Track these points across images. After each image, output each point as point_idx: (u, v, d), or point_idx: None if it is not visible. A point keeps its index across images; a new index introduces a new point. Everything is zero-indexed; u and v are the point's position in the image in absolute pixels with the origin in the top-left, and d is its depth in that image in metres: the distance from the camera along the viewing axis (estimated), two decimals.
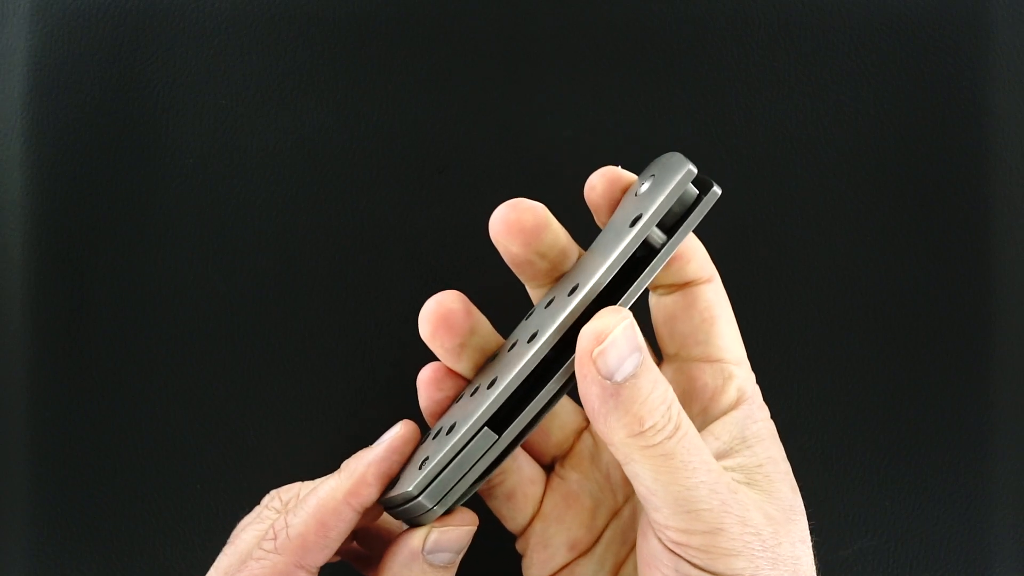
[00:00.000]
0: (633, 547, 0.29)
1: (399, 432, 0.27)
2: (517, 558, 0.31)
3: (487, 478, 0.27)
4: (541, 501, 0.30)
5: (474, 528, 0.26)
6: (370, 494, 0.26)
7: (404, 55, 0.38)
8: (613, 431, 0.23)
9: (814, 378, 0.38)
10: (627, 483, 0.30)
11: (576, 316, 0.25)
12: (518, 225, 0.27)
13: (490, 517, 0.30)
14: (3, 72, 0.38)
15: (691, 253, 0.27)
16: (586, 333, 0.23)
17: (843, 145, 0.38)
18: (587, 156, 0.38)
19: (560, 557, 0.29)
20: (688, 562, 0.24)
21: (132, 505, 0.38)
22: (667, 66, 0.38)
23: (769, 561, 0.24)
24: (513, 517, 0.30)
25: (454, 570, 0.26)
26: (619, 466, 0.29)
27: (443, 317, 0.27)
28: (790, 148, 0.38)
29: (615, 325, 0.23)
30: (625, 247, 0.24)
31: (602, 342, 0.23)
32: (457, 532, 0.26)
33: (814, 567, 0.26)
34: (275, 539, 0.26)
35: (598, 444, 0.30)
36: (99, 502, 0.38)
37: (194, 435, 0.38)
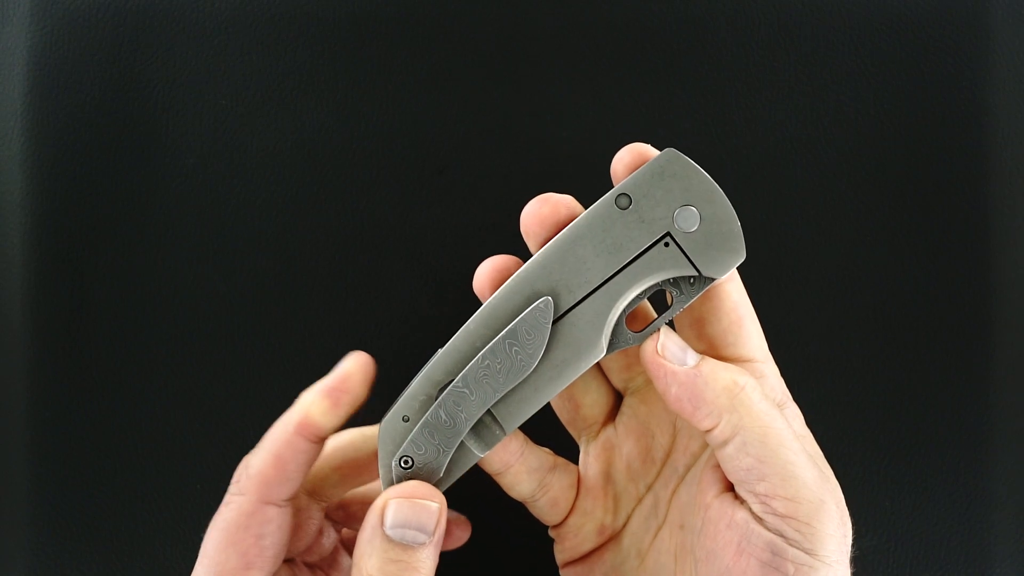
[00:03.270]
0: (656, 534, 0.30)
1: (348, 361, 0.28)
2: (540, 547, 0.32)
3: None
4: (575, 501, 0.31)
5: (437, 507, 0.26)
6: (321, 424, 0.27)
7: (404, 55, 0.38)
8: (716, 402, 0.25)
9: (814, 378, 0.38)
10: (647, 472, 0.31)
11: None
12: (553, 219, 0.27)
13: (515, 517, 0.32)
14: (3, 72, 0.38)
15: None
16: (647, 347, 0.26)
17: (843, 145, 0.38)
18: (587, 156, 0.38)
19: (589, 543, 0.31)
20: (787, 540, 0.24)
21: (132, 505, 0.38)
22: (667, 66, 0.38)
23: (846, 550, 0.25)
24: (551, 517, 0.31)
25: (430, 554, 0.26)
26: (639, 456, 0.31)
27: (494, 280, 0.28)
28: (790, 148, 0.38)
29: (662, 336, 0.26)
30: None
31: (657, 340, 0.26)
32: (415, 506, 0.26)
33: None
34: (239, 482, 0.27)
35: (619, 435, 0.31)
36: (99, 502, 0.38)
37: (194, 435, 0.38)
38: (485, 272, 0.28)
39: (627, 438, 0.31)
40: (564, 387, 0.27)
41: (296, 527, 0.29)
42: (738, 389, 0.25)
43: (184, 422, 0.38)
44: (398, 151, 0.38)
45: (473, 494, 0.31)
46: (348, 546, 0.33)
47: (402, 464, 0.27)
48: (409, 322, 0.38)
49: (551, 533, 0.32)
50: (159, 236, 0.38)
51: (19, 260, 0.38)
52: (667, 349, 0.26)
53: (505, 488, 0.30)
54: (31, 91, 0.38)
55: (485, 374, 0.26)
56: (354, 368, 0.28)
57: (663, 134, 0.38)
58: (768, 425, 0.25)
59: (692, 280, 0.27)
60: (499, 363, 0.26)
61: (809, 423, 0.28)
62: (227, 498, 0.27)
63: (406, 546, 0.25)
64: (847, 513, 0.26)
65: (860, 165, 0.38)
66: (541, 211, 0.27)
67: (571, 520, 0.31)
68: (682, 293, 0.27)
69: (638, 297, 0.27)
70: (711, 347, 0.28)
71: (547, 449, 0.31)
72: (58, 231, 0.38)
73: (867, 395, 0.38)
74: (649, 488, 0.31)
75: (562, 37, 0.38)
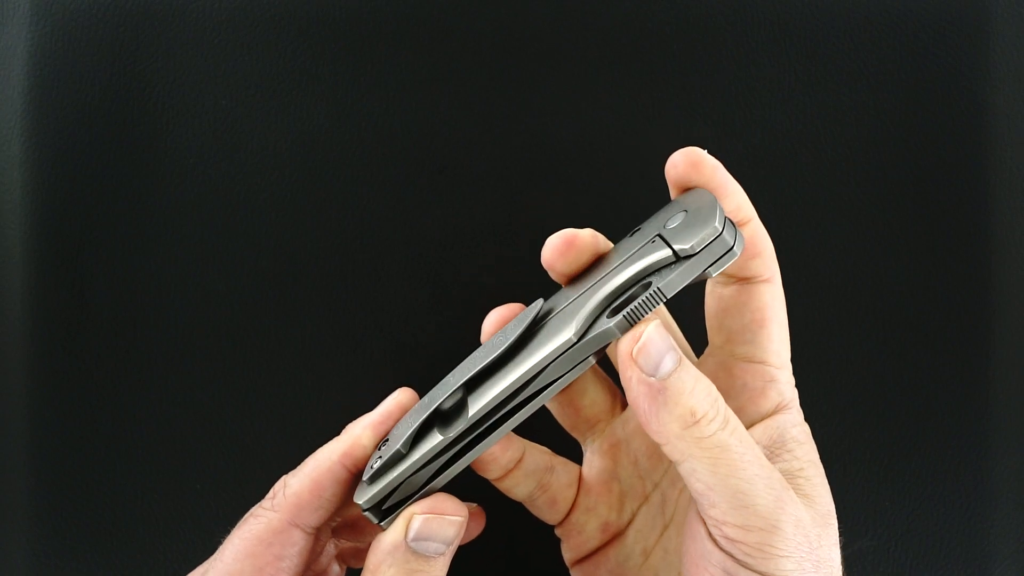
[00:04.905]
0: (663, 533, 0.30)
1: (398, 398, 0.28)
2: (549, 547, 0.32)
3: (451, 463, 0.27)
4: (576, 498, 0.31)
5: (462, 520, 0.26)
6: (363, 455, 0.27)
7: (404, 55, 0.38)
8: (667, 427, 0.24)
9: (814, 378, 0.38)
10: (654, 470, 0.31)
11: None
12: (576, 264, 0.28)
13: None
14: (3, 72, 0.38)
15: (759, 248, 0.27)
16: (623, 340, 0.25)
17: (843, 145, 0.38)
18: (587, 156, 0.38)
19: (594, 540, 0.31)
20: (738, 561, 0.24)
21: (132, 505, 0.38)
22: (667, 66, 0.38)
23: (813, 564, 0.25)
24: (552, 516, 0.31)
25: (446, 562, 0.26)
26: (647, 453, 0.31)
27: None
28: (790, 148, 0.38)
29: (643, 331, 0.24)
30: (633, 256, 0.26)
31: (638, 341, 0.24)
32: (440, 522, 0.26)
33: (841, 567, 0.27)
34: (273, 498, 0.27)
35: (627, 431, 0.31)
36: (99, 502, 0.38)
37: (194, 435, 0.38)
38: (492, 322, 0.29)
39: (635, 434, 0.31)
40: (531, 369, 0.25)
41: (311, 557, 0.29)
42: (691, 421, 0.24)
43: (184, 422, 0.38)
44: (398, 151, 0.38)
45: (483, 496, 0.31)
46: (342, 557, 0.33)
47: (380, 446, 0.27)
48: (409, 322, 0.38)
49: (557, 532, 0.32)
50: (159, 236, 0.38)
51: (19, 260, 0.38)
52: (643, 352, 0.24)
53: (504, 491, 0.30)
54: (31, 91, 0.38)
55: (471, 363, 0.27)
56: (403, 403, 0.28)
57: (663, 134, 0.38)
58: (717, 457, 0.24)
59: (671, 263, 0.25)
60: (483, 351, 0.27)
61: (809, 423, 0.28)
62: (258, 511, 0.27)
63: (426, 557, 0.26)
64: (812, 527, 0.25)
65: (860, 165, 0.38)
66: (567, 255, 0.28)
67: (573, 518, 0.31)
68: (662, 278, 0.25)
69: (622, 288, 0.25)
70: (728, 340, 0.28)
71: (545, 448, 0.31)
72: (58, 231, 0.38)
73: (867, 395, 0.38)
74: (656, 486, 0.31)
75: (562, 37, 0.38)
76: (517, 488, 0.30)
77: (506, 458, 0.29)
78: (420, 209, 0.38)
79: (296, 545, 0.27)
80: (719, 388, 0.28)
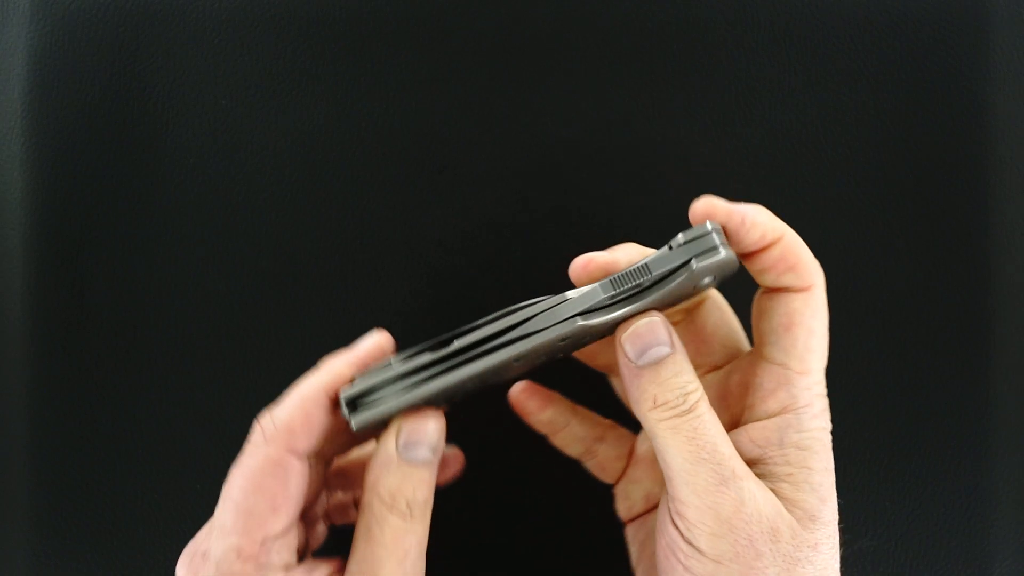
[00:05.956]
0: None
1: (376, 340, 0.30)
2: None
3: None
4: (625, 468, 0.34)
5: (442, 425, 0.28)
6: (343, 388, 0.29)
7: (404, 55, 0.38)
8: (637, 404, 0.27)
9: None
10: None
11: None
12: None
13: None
14: (3, 72, 0.38)
15: (792, 261, 0.28)
16: (620, 328, 0.28)
17: (843, 145, 0.38)
18: (587, 156, 0.38)
19: (638, 507, 0.34)
20: (682, 536, 0.27)
21: (132, 505, 0.38)
22: (667, 66, 0.38)
23: (755, 553, 0.26)
24: (603, 478, 0.35)
25: (434, 470, 0.28)
26: None
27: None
28: (790, 148, 0.38)
29: (639, 320, 0.28)
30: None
31: (626, 331, 0.27)
32: (424, 424, 0.28)
33: (829, 570, 0.27)
34: (263, 432, 0.28)
35: None
36: (99, 502, 0.38)
37: (194, 435, 0.38)
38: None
39: None
40: (520, 314, 0.28)
41: (313, 488, 0.30)
42: (653, 406, 0.27)
43: (184, 422, 0.38)
44: (398, 150, 0.38)
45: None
46: (329, 515, 0.33)
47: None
48: (409, 321, 0.38)
49: (613, 491, 0.34)
50: (159, 236, 0.38)
51: (19, 260, 0.38)
52: (629, 339, 0.27)
53: (559, 448, 0.34)
54: (31, 91, 0.38)
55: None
56: (380, 343, 0.30)
57: (663, 134, 0.38)
58: (669, 437, 0.27)
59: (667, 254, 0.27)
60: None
61: None
62: (250, 448, 0.28)
63: (417, 464, 0.28)
64: (771, 520, 0.26)
65: (860, 165, 0.38)
66: (580, 279, 0.29)
67: (621, 485, 0.34)
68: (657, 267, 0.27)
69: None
70: (760, 341, 0.30)
71: (603, 420, 0.34)
72: (58, 231, 0.38)
73: (867, 395, 0.38)
74: None
75: (562, 37, 0.38)
76: (568, 448, 0.34)
77: (545, 416, 0.33)
78: (420, 209, 0.38)
79: (297, 472, 0.28)
80: (739, 384, 0.30)
